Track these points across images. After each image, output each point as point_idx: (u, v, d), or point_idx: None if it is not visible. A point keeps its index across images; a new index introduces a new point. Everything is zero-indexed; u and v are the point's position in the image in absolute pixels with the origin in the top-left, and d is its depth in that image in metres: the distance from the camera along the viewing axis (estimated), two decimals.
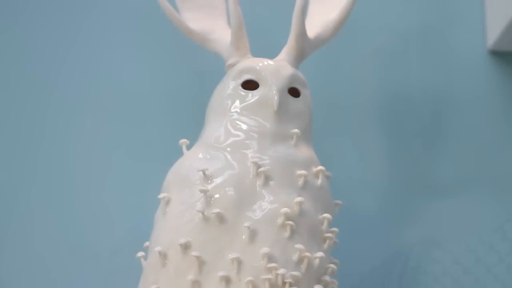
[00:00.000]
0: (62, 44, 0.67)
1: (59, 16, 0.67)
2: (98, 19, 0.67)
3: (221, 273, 0.47)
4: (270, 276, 0.47)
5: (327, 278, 0.50)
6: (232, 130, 0.51)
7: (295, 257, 0.48)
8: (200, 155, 0.51)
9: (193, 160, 0.51)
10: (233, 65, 0.55)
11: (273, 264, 0.47)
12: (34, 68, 0.66)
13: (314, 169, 0.51)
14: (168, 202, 0.50)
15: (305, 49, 0.55)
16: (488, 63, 0.67)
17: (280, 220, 0.48)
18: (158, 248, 0.49)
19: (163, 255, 0.49)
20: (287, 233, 0.48)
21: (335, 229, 0.51)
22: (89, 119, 0.65)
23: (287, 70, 0.53)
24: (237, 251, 0.47)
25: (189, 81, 0.66)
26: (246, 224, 0.48)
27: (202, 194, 0.49)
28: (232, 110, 0.52)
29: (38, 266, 0.62)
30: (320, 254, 0.49)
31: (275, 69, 0.53)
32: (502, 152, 0.65)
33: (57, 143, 0.64)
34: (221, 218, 0.48)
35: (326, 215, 0.50)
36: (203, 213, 0.48)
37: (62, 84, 0.66)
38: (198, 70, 0.66)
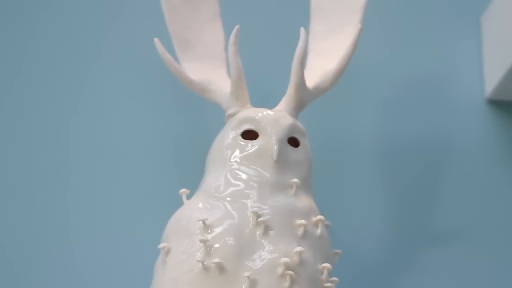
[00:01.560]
0: (62, 92, 0.67)
1: (60, 63, 0.68)
2: (99, 68, 0.68)
3: None
4: None
5: None
6: (232, 180, 0.51)
7: None
8: (200, 205, 0.51)
9: (193, 210, 0.51)
10: (232, 115, 0.55)
11: None
12: (34, 114, 0.66)
13: (314, 219, 0.51)
14: (168, 252, 0.50)
15: (304, 99, 0.55)
16: (486, 112, 0.67)
17: (280, 270, 0.48)
18: None
19: None
20: (287, 283, 0.48)
21: (335, 278, 0.51)
22: (87, 168, 0.65)
23: (287, 120, 0.54)
24: None
25: (189, 131, 0.66)
26: (246, 274, 0.47)
27: (202, 244, 0.49)
28: (232, 160, 0.52)
29: None
30: None
31: (275, 119, 0.53)
32: (501, 201, 0.65)
33: (54, 191, 0.64)
34: (221, 268, 0.48)
35: (326, 264, 0.50)
36: (203, 263, 0.48)
37: (59, 132, 0.66)
38: (198, 121, 0.66)
